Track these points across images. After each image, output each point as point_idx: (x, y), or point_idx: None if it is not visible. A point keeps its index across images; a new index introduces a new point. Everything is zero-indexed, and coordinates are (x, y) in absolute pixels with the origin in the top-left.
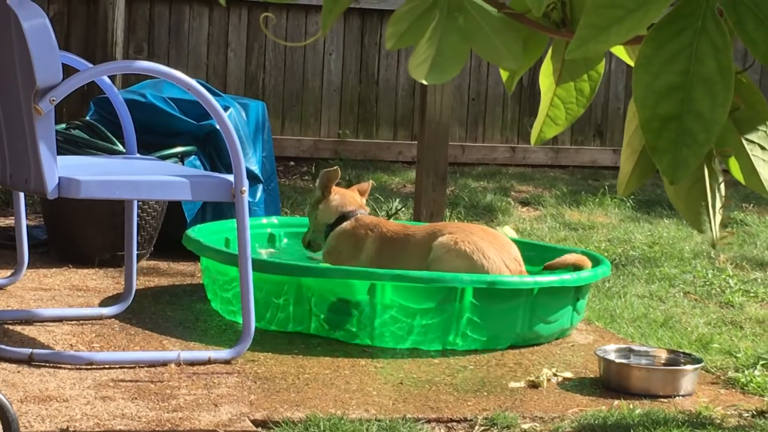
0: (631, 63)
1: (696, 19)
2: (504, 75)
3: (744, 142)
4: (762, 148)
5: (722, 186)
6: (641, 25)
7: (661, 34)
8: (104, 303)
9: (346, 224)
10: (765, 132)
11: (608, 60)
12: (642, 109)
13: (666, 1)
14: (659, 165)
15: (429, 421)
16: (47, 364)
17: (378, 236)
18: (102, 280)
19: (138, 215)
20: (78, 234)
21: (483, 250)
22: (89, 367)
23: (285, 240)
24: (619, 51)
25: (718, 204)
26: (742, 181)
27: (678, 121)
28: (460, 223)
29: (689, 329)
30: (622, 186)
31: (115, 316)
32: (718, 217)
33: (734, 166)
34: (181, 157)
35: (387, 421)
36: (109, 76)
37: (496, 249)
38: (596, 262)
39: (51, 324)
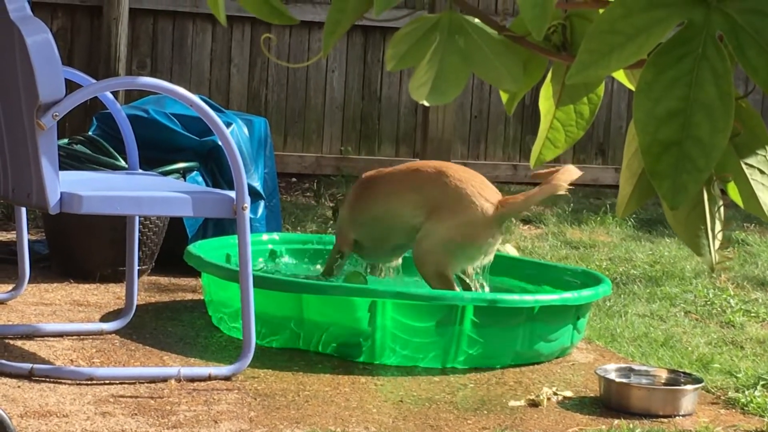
0: (631, 87)
1: (697, 46)
2: (504, 97)
3: (743, 166)
4: (761, 172)
5: (722, 210)
6: (642, 51)
7: (661, 60)
8: (105, 318)
9: None
10: (764, 156)
11: (611, 79)
12: (642, 134)
13: (666, 28)
14: (659, 190)
15: None
16: (47, 379)
17: (356, 184)
18: (103, 296)
19: (139, 231)
20: (79, 249)
21: (458, 228)
22: (89, 382)
23: (285, 257)
24: (620, 75)
25: (718, 228)
26: (741, 205)
27: (678, 146)
28: (435, 168)
29: (690, 349)
30: (621, 208)
31: (116, 332)
32: (717, 242)
33: (733, 189)
34: (183, 173)
35: None
36: (111, 92)
37: (476, 188)
38: (597, 281)
39: (52, 339)
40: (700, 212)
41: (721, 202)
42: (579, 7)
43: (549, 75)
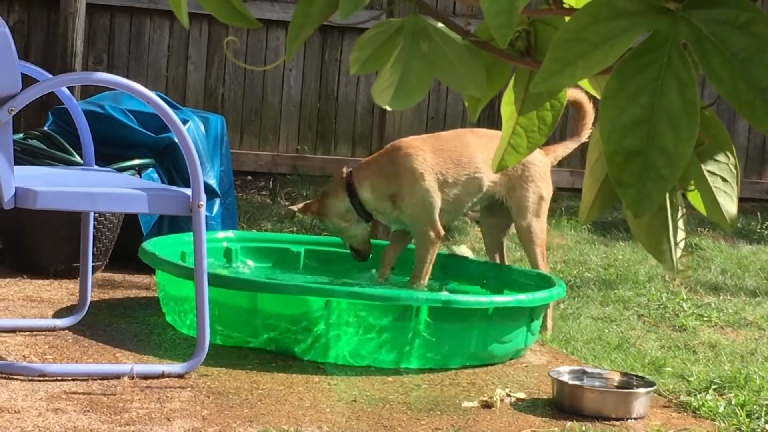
0: (596, 94)
1: (662, 54)
2: (467, 103)
3: (706, 173)
4: (724, 180)
5: (684, 219)
6: (607, 60)
7: (627, 68)
8: (58, 314)
9: None
10: (727, 164)
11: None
12: (607, 142)
13: (632, 37)
14: (623, 198)
15: None
16: None
17: None
18: (56, 292)
19: (94, 227)
20: (33, 245)
21: None
22: (42, 378)
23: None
24: (584, 83)
25: (680, 236)
26: (703, 212)
27: (643, 155)
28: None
29: (643, 352)
30: (584, 214)
31: (69, 328)
32: (679, 251)
33: (695, 197)
34: (139, 170)
35: None
36: (68, 87)
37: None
38: (551, 283)
39: (4, 335)
40: (662, 219)
41: (683, 211)
42: (544, 14)
43: (511, 81)
